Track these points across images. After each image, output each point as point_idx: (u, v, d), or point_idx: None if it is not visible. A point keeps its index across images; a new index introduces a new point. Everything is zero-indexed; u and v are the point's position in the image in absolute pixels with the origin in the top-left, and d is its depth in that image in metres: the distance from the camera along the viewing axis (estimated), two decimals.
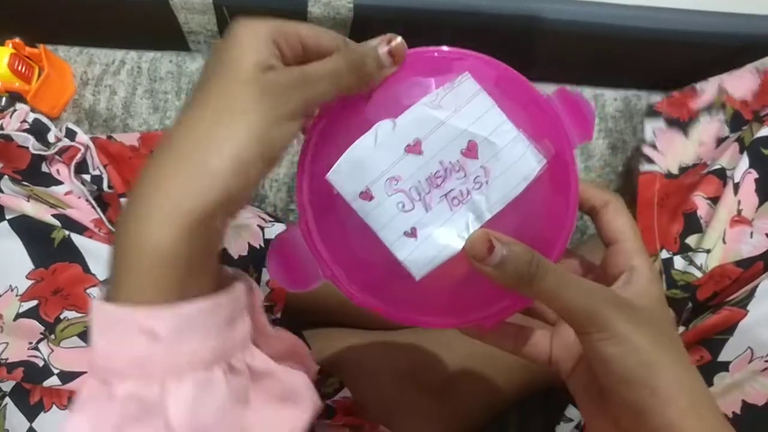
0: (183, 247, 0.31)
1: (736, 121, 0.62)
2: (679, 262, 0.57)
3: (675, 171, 0.63)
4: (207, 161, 0.31)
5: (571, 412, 0.58)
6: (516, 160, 0.35)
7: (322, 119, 0.36)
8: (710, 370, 0.50)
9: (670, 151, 0.63)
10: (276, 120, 0.32)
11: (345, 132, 0.35)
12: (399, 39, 0.35)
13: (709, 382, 0.50)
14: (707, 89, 0.65)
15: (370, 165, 0.34)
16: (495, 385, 0.59)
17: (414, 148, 0.34)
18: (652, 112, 0.65)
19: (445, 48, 0.37)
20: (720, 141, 0.62)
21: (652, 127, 0.65)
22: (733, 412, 0.48)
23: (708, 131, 0.63)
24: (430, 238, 0.35)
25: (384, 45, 0.35)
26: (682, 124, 0.64)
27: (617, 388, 0.33)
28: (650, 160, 0.63)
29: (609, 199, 0.39)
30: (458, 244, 0.35)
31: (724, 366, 0.49)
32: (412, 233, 0.35)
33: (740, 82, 0.63)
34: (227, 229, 0.34)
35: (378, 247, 0.35)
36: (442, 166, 0.34)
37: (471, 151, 0.35)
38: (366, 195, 0.34)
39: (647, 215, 0.60)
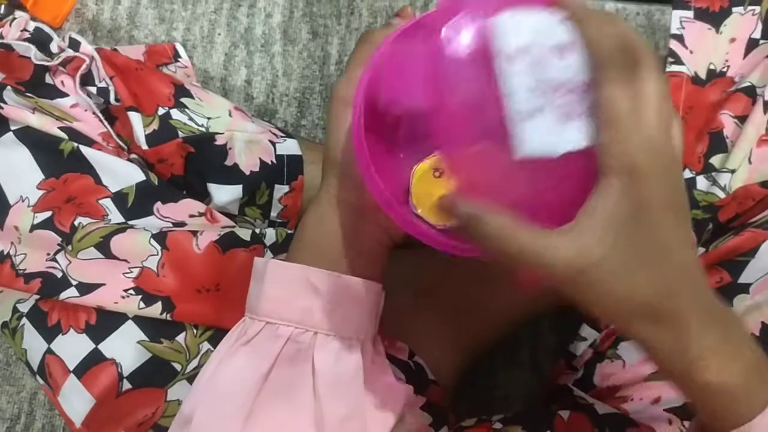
0: (348, 233, 0.41)
1: None
2: (702, 182, 0.56)
3: (702, 75, 0.60)
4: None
5: (586, 331, 0.58)
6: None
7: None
8: (730, 291, 0.50)
9: (699, 50, 0.60)
10: None
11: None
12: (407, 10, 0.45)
13: (729, 304, 0.49)
14: None
15: (536, 40, 0.33)
16: (510, 304, 0.59)
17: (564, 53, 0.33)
18: (679, 1, 0.61)
19: None
20: (751, 44, 0.59)
21: (680, 17, 0.61)
22: (752, 334, 0.47)
23: (740, 26, 0.59)
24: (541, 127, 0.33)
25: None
26: (712, 15, 0.60)
27: None
28: (678, 59, 0.60)
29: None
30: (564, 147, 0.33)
31: (745, 288, 0.49)
32: (529, 115, 0.33)
33: None
34: (382, 256, 0.44)
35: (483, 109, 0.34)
36: (578, 88, 0.33)
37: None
38: (511, 58, 0.33)
39: None
